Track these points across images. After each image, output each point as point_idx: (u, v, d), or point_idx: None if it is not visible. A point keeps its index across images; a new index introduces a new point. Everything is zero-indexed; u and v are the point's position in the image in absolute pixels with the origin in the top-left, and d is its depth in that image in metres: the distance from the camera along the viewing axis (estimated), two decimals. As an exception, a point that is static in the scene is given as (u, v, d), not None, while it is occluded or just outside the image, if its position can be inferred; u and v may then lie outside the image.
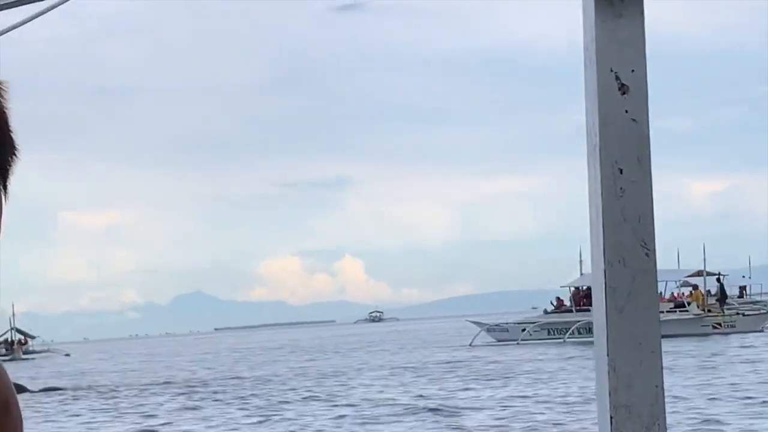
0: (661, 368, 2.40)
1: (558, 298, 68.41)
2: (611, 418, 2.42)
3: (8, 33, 3.77)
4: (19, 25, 3.72)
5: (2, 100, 2.15)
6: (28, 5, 3.57)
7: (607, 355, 2.43)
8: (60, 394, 42.14)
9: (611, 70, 2.42)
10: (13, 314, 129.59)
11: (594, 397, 2.45)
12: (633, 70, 2.46)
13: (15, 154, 2.16)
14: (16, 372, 72.71)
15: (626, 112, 2.49)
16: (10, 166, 2.14)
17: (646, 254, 2.35)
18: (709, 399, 27.30)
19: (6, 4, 3.49)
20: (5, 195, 2.15)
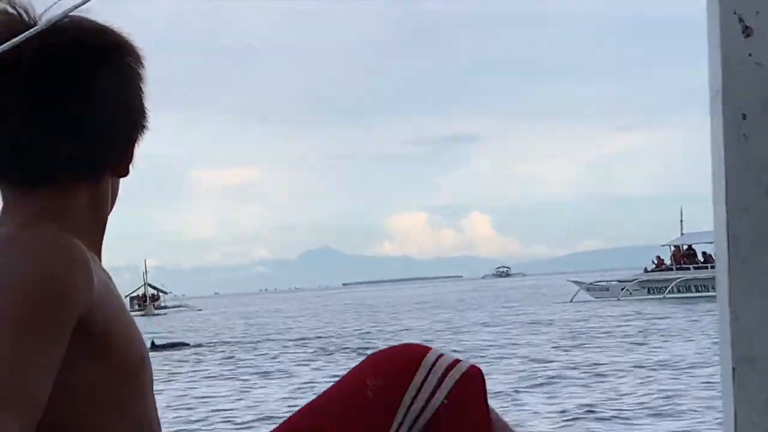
0: (787, 319, 2.35)
1: (658, 257, 69.54)
2: (733, 369, 2.36)
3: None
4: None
5: (140, 69, 2.22)
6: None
7: (729, 306, 2.38)
8: (189, 350, 42.90)
9: (734, 12, 2.36)
10: (146, 270, 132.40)
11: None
12: (758, 12, 2.39)
13: (146, 125, 2.25)
14: (147, 327, 74.29)
15: (750, 55, 2.42)
16: (141, 134, 2.23)
17: (772, 202, 2.29)
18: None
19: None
20: (132, 161, 2.23)
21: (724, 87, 2.38)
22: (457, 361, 2.42)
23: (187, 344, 45.10)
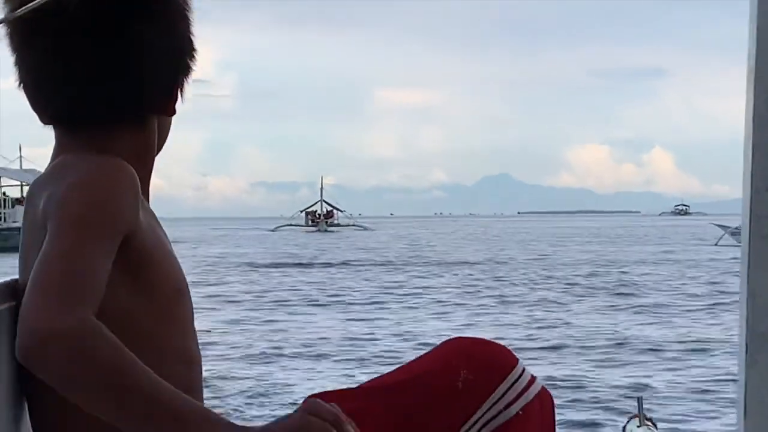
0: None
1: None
2: (747, 345, 2.40)
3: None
4: None
5: (185, 13, 2.30)
6: None
7: (748, 283, 2.41)
8: (353, 267, 43.41)
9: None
10: (322, 187, 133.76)
11: None
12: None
13: (192, 65, 2.33)
14: (317, 241, 75.24)
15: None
16: (186, 75, 2.32)
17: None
18: None
19: None
20: (178, 101, 2.32)
21: (757, 67, 2.40)
22: (534, 378, 2.52)
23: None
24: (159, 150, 2.36)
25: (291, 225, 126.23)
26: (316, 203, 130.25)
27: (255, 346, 18.57)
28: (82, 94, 2.18)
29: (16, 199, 69.53)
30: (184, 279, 2.28)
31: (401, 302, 27.80)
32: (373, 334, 20.55)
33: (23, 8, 2.11)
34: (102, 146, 2.21)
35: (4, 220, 66.44)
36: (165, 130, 2.35)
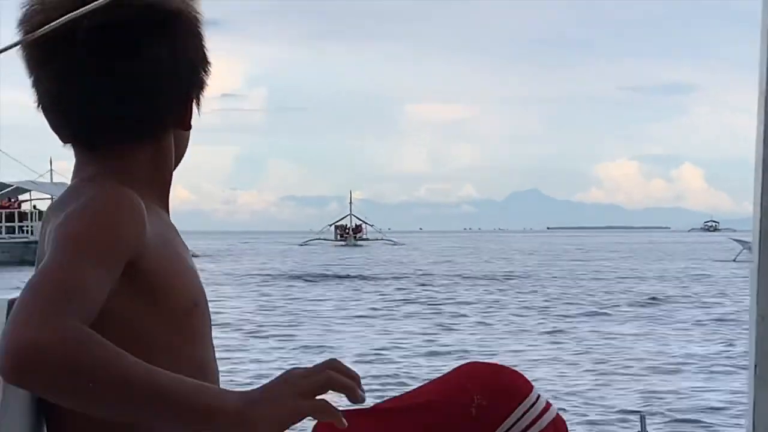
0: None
1: None
2: (755, 366, 2.41)
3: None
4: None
5: (195, 32, 2.34)
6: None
7: (757, 306, 2.43)
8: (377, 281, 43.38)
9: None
10: (351, 201, 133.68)
11: None
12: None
13: (205, 81, 2.38)
14: (346, 256, 75.25)
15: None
16: (200, 91, 2.37)
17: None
18: None
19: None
20: (192, 116, 2.38)
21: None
22: (550, 405, 2.55)
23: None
24: (177, 164, 2.40)
25: (320, 239, 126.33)
26: (345, 217, 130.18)
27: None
28: (97, 115, 2.24)
29: (42, 212, 69.52)
30: (202, 291, 2.30)
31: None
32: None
33: (36, 32, 2.16)
34: (120, 163, 2.28)
35: (32, 234, 66.70)
36: (182, 144, 2.40)
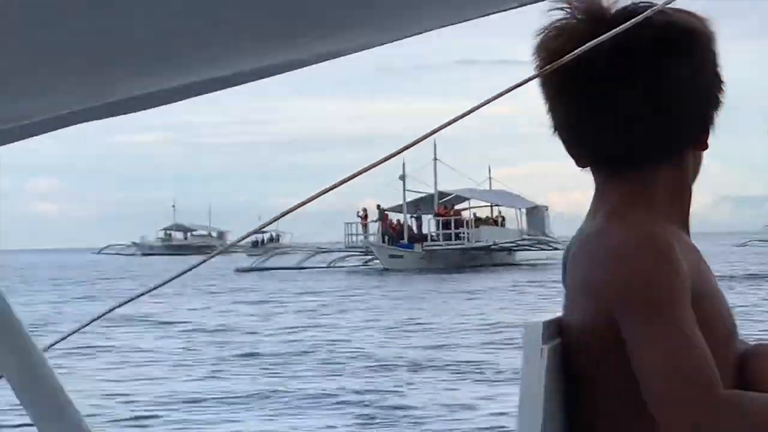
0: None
1: None
2: None
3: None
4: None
5: (711, 48, 2.36)
6: None
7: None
8: None
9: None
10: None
11: None
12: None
13: (721, 99, 2.39)
14: None
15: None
16: (717, 109, 2.39)
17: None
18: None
19: None
20: (713, 127, 2.39)
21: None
22: None
23: None
24: (694, 180, 2.39)
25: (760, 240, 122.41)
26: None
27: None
28: (618, 140, 2.27)
29: (479, 219, 71.38)
30: (731, 316, 2.33)
31: None
32: None
33: (557, 61, 2.15)
34: (642, 189, 2.29)
35: (468, 240, 68.29)
36: (697, 165, 2.40)
